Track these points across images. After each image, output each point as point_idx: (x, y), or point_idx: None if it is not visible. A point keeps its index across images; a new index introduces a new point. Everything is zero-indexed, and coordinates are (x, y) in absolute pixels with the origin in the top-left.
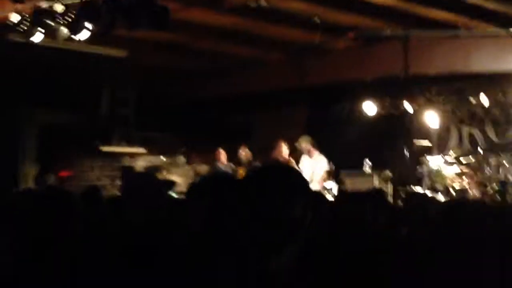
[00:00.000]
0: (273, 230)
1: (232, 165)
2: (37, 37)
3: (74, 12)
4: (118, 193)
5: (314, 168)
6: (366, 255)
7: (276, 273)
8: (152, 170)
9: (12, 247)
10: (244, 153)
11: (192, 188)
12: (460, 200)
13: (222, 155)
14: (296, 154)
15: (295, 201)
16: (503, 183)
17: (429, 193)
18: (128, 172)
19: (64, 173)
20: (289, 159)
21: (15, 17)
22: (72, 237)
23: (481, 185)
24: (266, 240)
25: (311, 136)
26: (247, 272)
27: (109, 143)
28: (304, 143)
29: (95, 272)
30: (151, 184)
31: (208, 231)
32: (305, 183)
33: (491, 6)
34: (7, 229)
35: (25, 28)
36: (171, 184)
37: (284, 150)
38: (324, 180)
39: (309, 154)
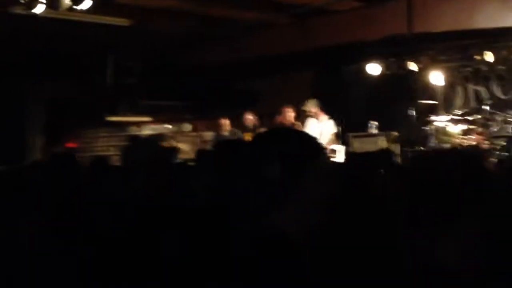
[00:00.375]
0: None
1: (236, 131)
2: (39, 8)
3: None
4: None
5: (321, 131)
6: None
7: (288, 235)
8: (157, 138)
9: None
10: (249, 118)
11: (200, 155)
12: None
13: (225, 124)
14: (303, 118)
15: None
16: (510, 139)
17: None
18: (131, 141)
19: (70, 144)
20: (296, 123)
21: None
22: (84, 207)
23: (488, 141)
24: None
25: (318, 99)
26: (257, 235)
27: (115, 113)
28: (311, 107)
29: (107, 240)
30: (155, 151)
31: (216, 195)
32: (314, 143)
33: None
34: (25, 204)
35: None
36: (176, 151)
37: (290, 114)
38: (332, 143)
39: (317, 117)
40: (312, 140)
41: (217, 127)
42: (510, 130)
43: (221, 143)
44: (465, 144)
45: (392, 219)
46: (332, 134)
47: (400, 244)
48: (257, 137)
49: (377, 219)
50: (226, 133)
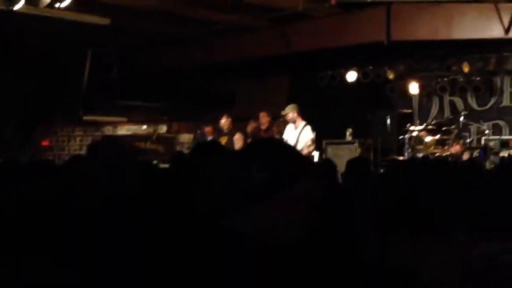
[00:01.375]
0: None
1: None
2: (19, 4)
3: None
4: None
5: (298, 136)
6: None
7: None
8: (125, 139)
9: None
10: (225, 121)
11: (175, 157)
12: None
13: (208, 131)
14: (278, 122)
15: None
16: (484, 150)
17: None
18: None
19: (45, 142)
20: (270, 128)
21: None
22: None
23: (462, 152)
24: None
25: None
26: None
27: (91, 112)
28: (291, 111)
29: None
30: (120, 152)
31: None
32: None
33: None
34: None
35: None
36: (146, 153)
37: (265, 120)
38: (308, 148)
39: (294, 123)
40: (299, 156)
41: (195, 130)
42: (482, 141)
43: (200, 147)
44: (443, 154)
45: (367, 227)
46: (310, 140)
47: (372, 251)
48: (248, 147)
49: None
50: (207, 137)
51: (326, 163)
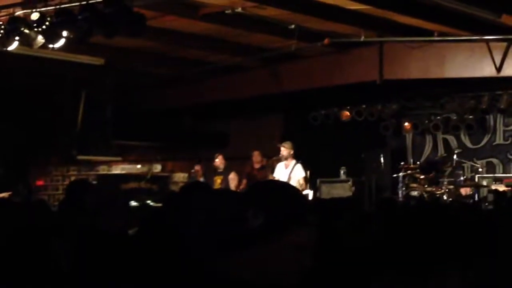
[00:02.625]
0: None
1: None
2: (13, 45)
3: (50, 20)
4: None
5: (290, 174)
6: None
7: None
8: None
9: None
10: (219, 161)
11: (170, 198)
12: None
13: (198, 171)
14: (272, 161)
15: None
16: (477, 188)
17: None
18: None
19: (39, 182)
20: (264, 167)
21: None
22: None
23: (455, 190)
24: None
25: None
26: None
27: (85, 151)
28: (288, 149)
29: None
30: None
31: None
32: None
33: (465, 12)
34: None
35: (1, 36)
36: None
37: (259, 159)
38: (302, 187)
39: (286, 160)
40: (297, 199)
41: (189, 168)
42: (476, 179)
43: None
44: (437, 192)
45: (359, 266)
46: (302, 178)
47: None
48: (246, 190)
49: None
50: (201, 179)
51: (320, 204)
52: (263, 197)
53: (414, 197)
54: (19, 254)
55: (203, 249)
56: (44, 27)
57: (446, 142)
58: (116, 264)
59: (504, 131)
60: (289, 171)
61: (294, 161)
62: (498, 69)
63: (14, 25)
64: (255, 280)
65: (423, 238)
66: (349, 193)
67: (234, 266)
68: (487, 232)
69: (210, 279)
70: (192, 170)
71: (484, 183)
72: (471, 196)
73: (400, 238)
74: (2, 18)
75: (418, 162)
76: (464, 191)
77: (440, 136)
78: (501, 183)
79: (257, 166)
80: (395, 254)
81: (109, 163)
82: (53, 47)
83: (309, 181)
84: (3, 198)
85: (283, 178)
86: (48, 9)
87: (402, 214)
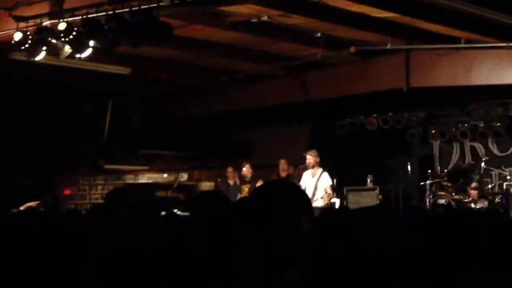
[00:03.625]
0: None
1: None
2: (40, 55)
3: (77, 30)
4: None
5: (316, 183)
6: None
7: None
8: (149, 187)
9: None
10: (247, 169)
11: (193, 205)
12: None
13: (230, 173)
14: (299, 169)
15: (299, 218)
16: (505, 196)
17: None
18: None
19: (67, 191)
20: (290, 175)
21: (18, 36)
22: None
23: (484, 197)
24: (272, 259)
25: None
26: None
27: (112, 161)
28: (314, 157)
29: None
30: (146, 201)
31: (209, 251)
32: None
33: (492, 19)
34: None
35: (28, 46)
36: (167, 201)
37: (285, 167)
38: (329, 196)
39: (313, 168)
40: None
41: (216, 178)
42: (505, 187)
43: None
44: (464, 200)
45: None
46: (329, 186)
47: None
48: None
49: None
50: (231, 182)
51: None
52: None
53: (441, 205)
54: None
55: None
56: (71, 37)
57: (473, 150)
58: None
59: None
60: (316, 180)
61: (320, 169)
62: None
63: (42, 35)
64: None
65: (451, 247)
66: (376, 201)
67: None
68: None
69: None
70: (219, 180)
71: None
72: (499, 203)
73: (429, 247)
74: (30, 28)
75: (445, 170)
76: (486, 200)
77: (467, 144)
78: None
79: (283, 174)
80: (423, 262)
81: (135, 172)
82: (80, 57)
83: (336, 189)
84: (31, 207)
85: (310, 187)
86: (75, 19)
87: (431, 222)
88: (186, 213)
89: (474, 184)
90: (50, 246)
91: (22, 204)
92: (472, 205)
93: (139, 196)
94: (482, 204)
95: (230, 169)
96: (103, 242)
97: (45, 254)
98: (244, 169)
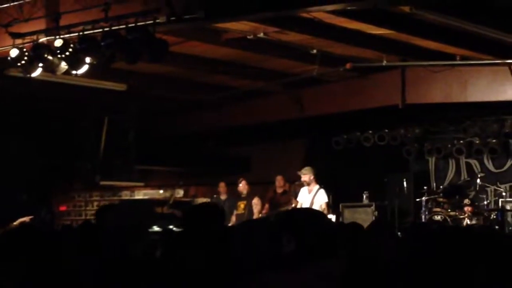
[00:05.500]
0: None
1: (232, 198)
2: (36, 72)
3: (73, 46)
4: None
5: (313, 199)
6: None
7: None
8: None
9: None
10: (243, 185)
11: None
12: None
13: (222, 188)
14: (295, 185)
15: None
16: (501, 213)
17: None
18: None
19: (63, 207)
20: (286, 191)
21: (14, 52)
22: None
23: (479, 214)
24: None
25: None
26: None
27: (108, 177)
28: (308, 173)
29: None
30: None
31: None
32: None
33: (487, 36)
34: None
35: (24, 63)
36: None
37: (282, 184)
38: (324, 212)
39: (309, 185)
40: (328, 227)
41: (213, 192)
42: (500, 203)
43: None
44: (460, 216)
45: None
46: (325, 203)
47: None
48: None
49: None
50: (223, 197)
51: (352, 228)
52: (297, 225)
53: (437, 221)
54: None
55: (241, 270)
56: (67, 53)
57: (469, 166)
58: None
59: None
60: (312, 196)
61: (317, 186)
62: None
63: (38, 52)
64: None
65: (446, 263)
66: (372, 218)
67: None
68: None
69: None
70: (214, 196)
71: (508, 207)
72: (494, 219)
73: (425, 262)
74: (26, 44)
75: (441, 187)
76: (467, 209)
77: (463, 160)
78: None
79: (279, 190)
80: (421, 278)
81: (131, 188)
82: (76, 73)
83: (332, 205)
84: (24, 222)
85: (306, 203)
86: (72, 36)
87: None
88: (182, 229)
89: (467, 201)
90: (43, 262)
91: (15, 220)
92: (468, 222)
93: (126, 213)
94: (476, 221)
95: (222, 184)
96: (91, 257)
97: (37, 269)
98: (240, 185)
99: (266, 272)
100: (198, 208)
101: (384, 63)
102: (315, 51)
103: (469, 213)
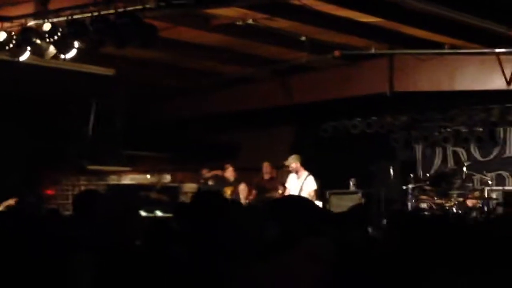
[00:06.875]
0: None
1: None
2: (25, 55)
3: (62, 30)
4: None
5: (301, 186)
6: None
7: None
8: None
9: None
10: (230, 172)
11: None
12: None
13: (205, 174)
14: (282, 171)
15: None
16: (487, 201)
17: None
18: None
19: (49, 191)
20: (273, 178)
21: (2, 36)
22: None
23: (465, 203)
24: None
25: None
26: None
27: (95, 161)
28: (294, 162)
29: None
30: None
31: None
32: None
33: (475, 25)
34: None
35: (12, 46)
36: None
37: (268, 170)
38: (312, 199)
39: (297, 172)
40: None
41: (199, 179)
42: (486, 193)
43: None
44: (446, 205)
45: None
46: (313, 190)
47: None
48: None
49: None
50: (210, 184)
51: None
52: (280, 210)
53: (423, 209)
54: (36, 266)
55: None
56: (55, 37)
57: (456, 155)
58: (128, 278)
59: None
60: (301, 183)
61: (306, 173)
62: (508, 82)
63: (26, 36)
64: None
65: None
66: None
67: (252, 276)
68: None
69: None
70: (202, 181)
71: (494, 196)
72: (480, 209)
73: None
74: (14, 28)
75: (427, 175)
76: (471, 203)
77: (450, 149)
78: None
79: (266, 177)
80: (402, 265)
81: (119, 173)
82: (64, 58)
83: (319, 192)
84: (10, 206)
85: (295, 189)
86: (60, 20)
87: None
88: (169, 215)
89: (475, 193)
90: (29, 248)
91: (1, 203)
92: (454, 210)
93: (115, 199)
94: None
95: (204, 171)
96: (80, 244)
97: (23, 256)
98: (227, 171)
99: (253, 263)
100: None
101: (373, 51)
102: (304, 38)
103: (455, 202)
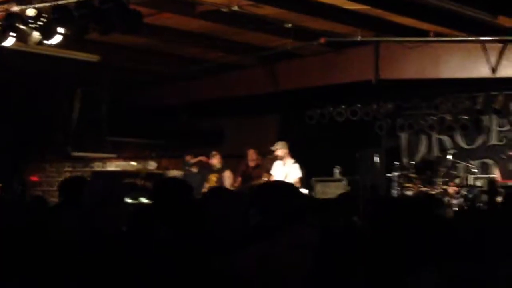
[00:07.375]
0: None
1: (203, 170)
2: (8, 41)
3: (46, 16)
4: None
5: (287, 174)
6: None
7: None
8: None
9: None
10: (215, 158)
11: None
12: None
13: (189, 160)
14: (267, 159)
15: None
16: (472, 189)
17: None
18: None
19: (34, 178)
20: (259, 165)
21: None
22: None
23: (450, 191)
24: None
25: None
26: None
27: (80, 148)
28: (281, 149)
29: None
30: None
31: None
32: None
33: (461, 13)
34: None
35: None
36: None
37: (253, 157)
38: (298, 186)
39: (283, 160)
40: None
41: (184, 165)
42: (472, 181)
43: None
44: (431, 192)
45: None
46: (298, 178)
47: None
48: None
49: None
50: (195, 171)
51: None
52: (264, 197)
53: (408, 196)
54: (20, 251)
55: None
56: (40, 23)
57: (441, 143)
58: (113, 263)
59: (499, 132)
60: (287, 170)
61: (292, 160)
62: (494, 70)
63: (10, 21)
64: (256, 279)
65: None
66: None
67: (236, 263)
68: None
69: (212, 276)
70: (186, 168)
71: (478, 183)
72: (465, 196)
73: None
74: None
75: (412, 162)
76: (452, 190)
77: (435, 136)
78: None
79: (252, 164)
80: (380, 252)
81: (104, 160)
82: (49, 44)
83: (304, 180)
84: None
85: (280, 176)
86: (45, 5)
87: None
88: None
89: (455, 181)
90: (13, 236)
91: None
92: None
93: (101, 186)
94: (458, 201)
95: (188, 157)
96: (66, 231)
97: (8, 244)
98: (213, 158)
99: (237, 250)
100: (166, 182)
101: (359, 38)
102: (289, 25)
103: (452, 193)
